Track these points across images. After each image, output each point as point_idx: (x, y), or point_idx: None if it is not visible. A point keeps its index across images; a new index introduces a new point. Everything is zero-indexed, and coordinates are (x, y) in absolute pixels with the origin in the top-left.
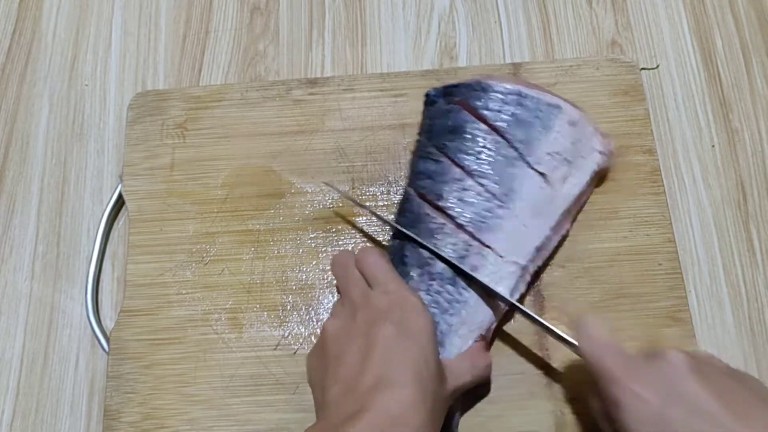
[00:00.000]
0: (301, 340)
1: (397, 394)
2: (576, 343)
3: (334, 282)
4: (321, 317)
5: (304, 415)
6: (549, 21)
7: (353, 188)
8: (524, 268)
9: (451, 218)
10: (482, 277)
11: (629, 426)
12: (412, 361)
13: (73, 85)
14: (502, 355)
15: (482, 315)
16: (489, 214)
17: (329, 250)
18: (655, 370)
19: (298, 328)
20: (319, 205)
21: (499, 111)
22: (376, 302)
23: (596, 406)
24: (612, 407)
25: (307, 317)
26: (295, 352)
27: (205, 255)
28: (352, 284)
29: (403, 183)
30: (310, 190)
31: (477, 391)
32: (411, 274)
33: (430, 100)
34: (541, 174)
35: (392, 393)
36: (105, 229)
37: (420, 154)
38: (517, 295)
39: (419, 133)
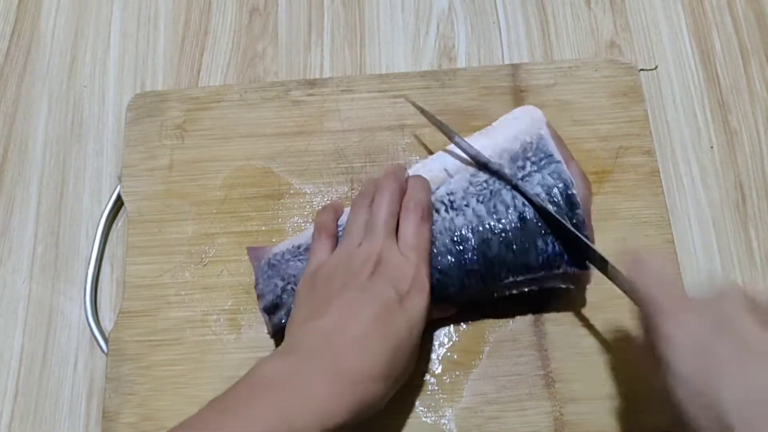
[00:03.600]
0: None
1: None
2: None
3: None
4: None
5: None
6: (548, 22)
7: (352, 189)
8: None
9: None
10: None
11: (671, 362)
12: (391, 352)
13: (72, 86)
14: (501, 356)
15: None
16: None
17: None
18: (708, 303)
19: None
20: (318, 206)
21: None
22: (394, 258)
23: (646, 348)
24: (656, 342)
25: None
26: None
27: (204, 256)
28: (385, 213)
29: None
30: (309, 191)
31: (480, 388)
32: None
33: None
34: None
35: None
36: (104, 230)
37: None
38: None
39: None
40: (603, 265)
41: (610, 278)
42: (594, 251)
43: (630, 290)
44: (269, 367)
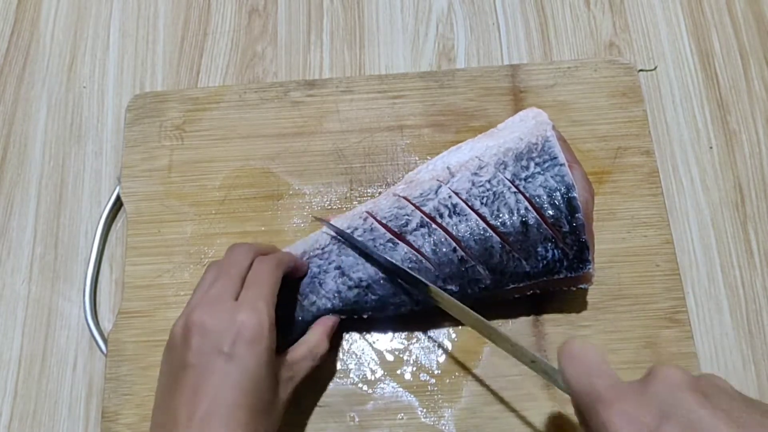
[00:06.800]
0: None
1: None
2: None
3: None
4: None
5: (301, 417)
6: (547, 23)
7: (351, 189)
8: None
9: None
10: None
11: None
12: (243, 398)
13: (71, 87)
14: (500, 357)
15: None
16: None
17: None
18: (649, 388)
19: None
20: (317, 207)
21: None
22: (220, 315)
23: None
24: None
25: None
26: None
27: (203, 257)
28: (226, 272)
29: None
30: (308, 192)
31: (480, 389)
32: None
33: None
34: None
35: None
36: (103, 230)
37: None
38: None
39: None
40: (532, 364)
41: (537, 372)
42: (518, 348)
43: (564, 383)
44: None
